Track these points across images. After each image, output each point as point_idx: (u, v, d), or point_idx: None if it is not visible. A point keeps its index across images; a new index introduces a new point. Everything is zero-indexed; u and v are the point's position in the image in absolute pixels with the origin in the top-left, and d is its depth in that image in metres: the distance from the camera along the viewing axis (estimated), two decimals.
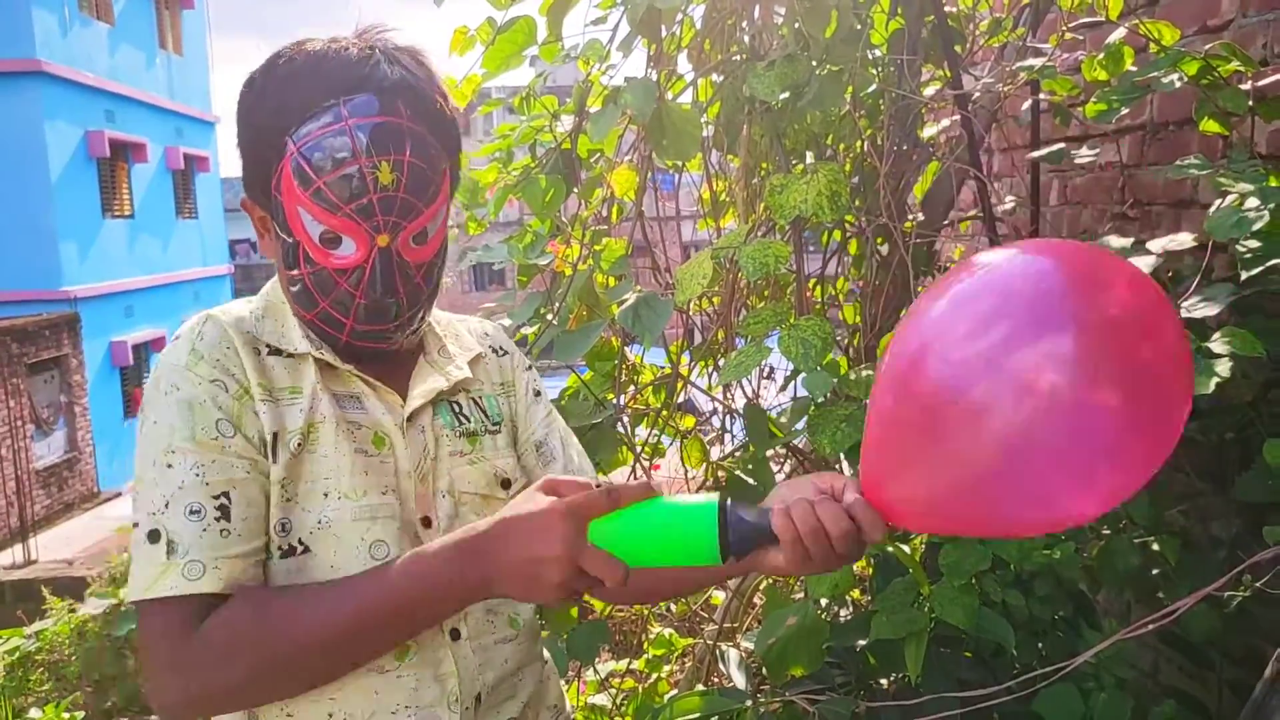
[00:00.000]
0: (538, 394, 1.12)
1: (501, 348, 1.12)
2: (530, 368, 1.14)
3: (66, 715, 2.02)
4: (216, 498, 0.86)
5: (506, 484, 1.03)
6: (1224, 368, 1.12)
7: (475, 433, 1.03)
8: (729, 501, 0.82)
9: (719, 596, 2.40)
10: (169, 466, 0.86)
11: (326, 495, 0.91)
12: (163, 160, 16.04)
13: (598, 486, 0.83)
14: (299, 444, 0.90)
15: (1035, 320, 0.74)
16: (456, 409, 1.03)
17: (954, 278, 0.82)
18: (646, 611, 2.43)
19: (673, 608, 2.50)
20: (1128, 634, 1.20)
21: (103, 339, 13.61)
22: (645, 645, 2.20)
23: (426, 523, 0.96)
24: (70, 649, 2.39)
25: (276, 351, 0.94)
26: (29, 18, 12.16)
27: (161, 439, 0.87)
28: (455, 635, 0.96)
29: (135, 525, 0.87)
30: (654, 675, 2.14)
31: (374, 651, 0.88)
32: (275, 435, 0.90)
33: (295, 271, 0.91)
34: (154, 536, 0.85)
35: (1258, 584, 1.12)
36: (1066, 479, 0.74)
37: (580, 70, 1.59)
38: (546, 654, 1.12)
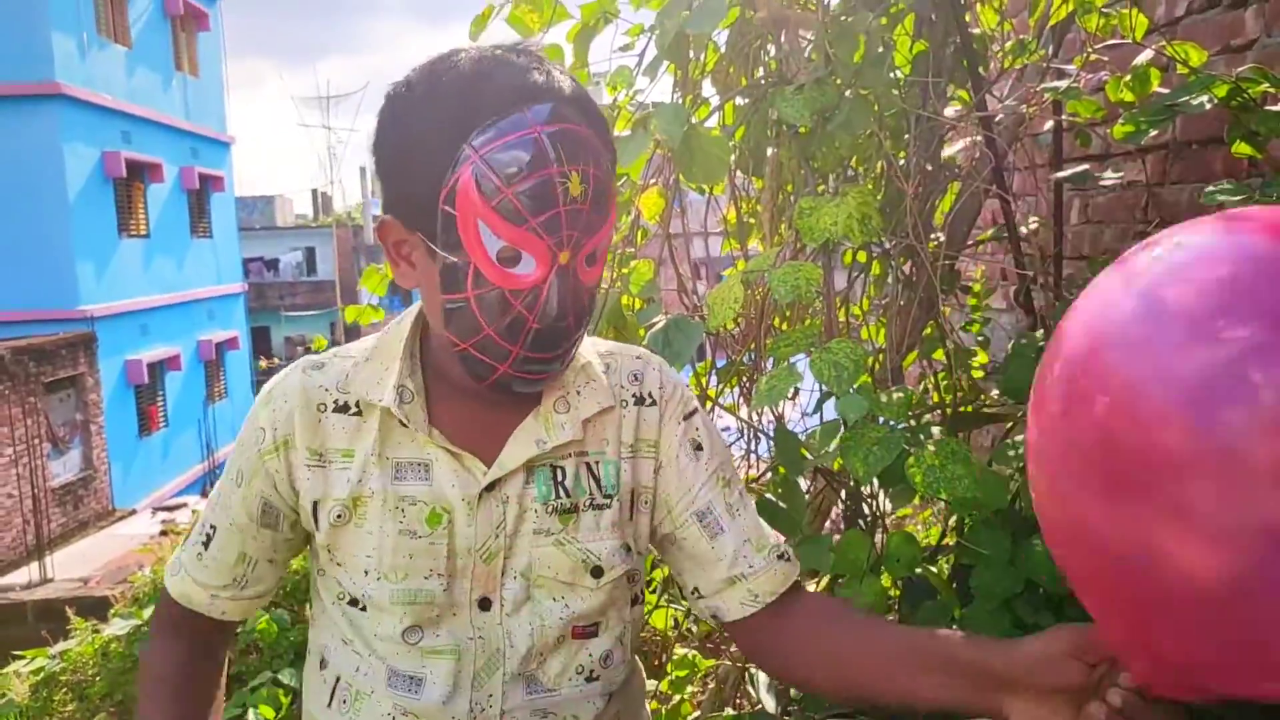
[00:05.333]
0: (698, 448, 0.96)
1: (650, 395, 0.95)
2: (692, 414, 0.97)
3: None
4: (211, 528, 0.95)
5: (598, 572, 0.90)
6: None
7: (574, 509, 0.90)
8: None
9: None
10: (219, 494, 0.97)
11: (367, 573, 0.88)
12: (178, 180, 16.21)
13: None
14: (340, 515, 0.88)
15: None
16: (559, 476, 0.90)
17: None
18: (670, 633, 2.43)
19: (694, 628, 2.49)
20: None
21: (118, 357, 13.71)
22: (668, 667, 2.19)
23: (485, 604, 0.89)
24: (94, 669, 2.40)
25: (343, 409, 0.89)
26: (48, 41, 12.33)
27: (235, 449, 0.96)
28: None
29: None
30: (677, 696, 2.13)
31: None
32: (316, 503, 0.89)
33: (459, 294, 0.82)
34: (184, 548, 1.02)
35: None
36: None
37: (607, 96, 1.61)
38: None
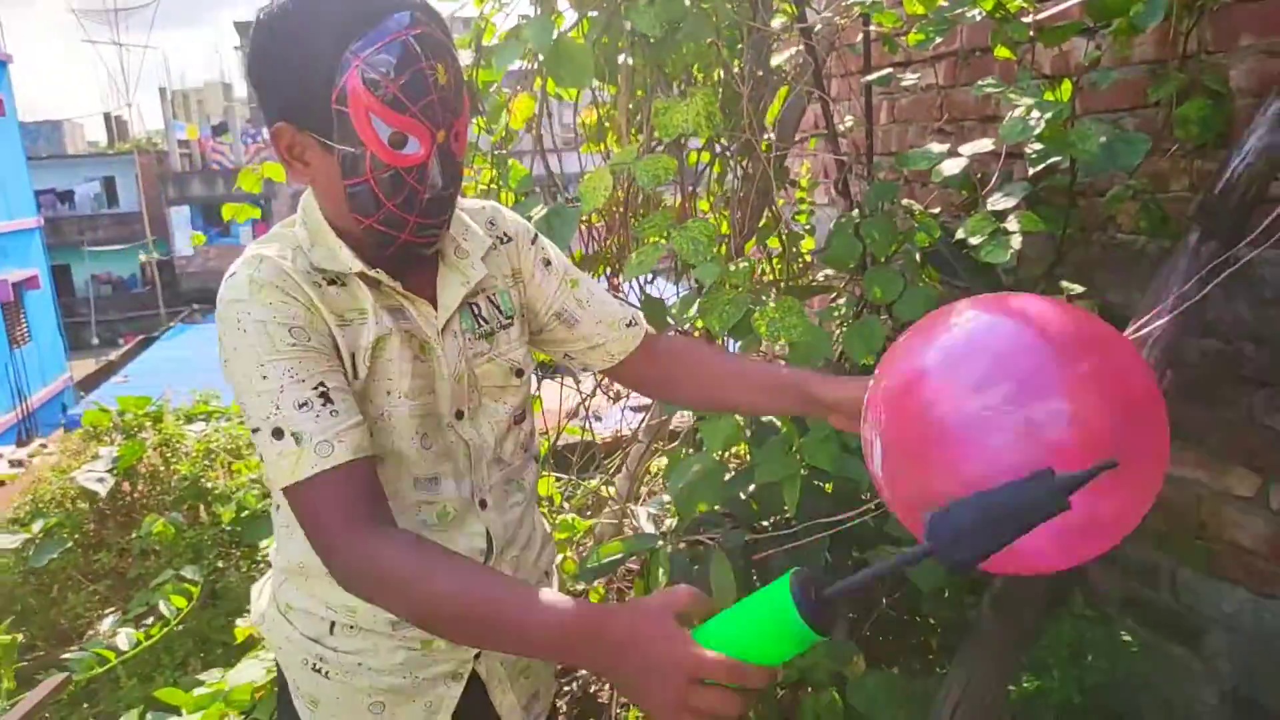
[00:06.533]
0: (548, 263, 1.21)
1: (505, 235, 1.19)
2: (535, 238, 1.22)
3: (6, 638, 2.10)
4: (315, 388, 0.96)
5: (519, 373, 1.18)
6: (1016, 241, 1.45)
7: (491, 332, 1.15)
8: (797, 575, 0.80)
9: (609, 492, 2.68)
10: (264, 378, 0.96)
11: (389, 394, 1.05)
12: None
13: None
14: (371, 356, 1.03)
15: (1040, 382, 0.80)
16: (476, 310, 1.14)
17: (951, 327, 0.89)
18: (544, 509, 2.69)
19: (568, 503, 2.76)
20: None
21: None
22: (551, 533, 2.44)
23: (459, 415, 1.12)
24: None
25: (333, 281, 1.03)
26: None
27: (249, 358, 0.96)
28: (484, 505, 1.15)
29: (255, 431, 0.98)
30: (560, 556, 2.40)
31: (482, 642, 1.04)
32: (354, 355, 1.03)
33: (359, 179, 0.97)
34: (278, 434, 0.95)
35: None
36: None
37: (474, 8, 1.76)
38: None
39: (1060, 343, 0.83)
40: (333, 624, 1.14)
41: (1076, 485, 0.75)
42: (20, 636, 2.15)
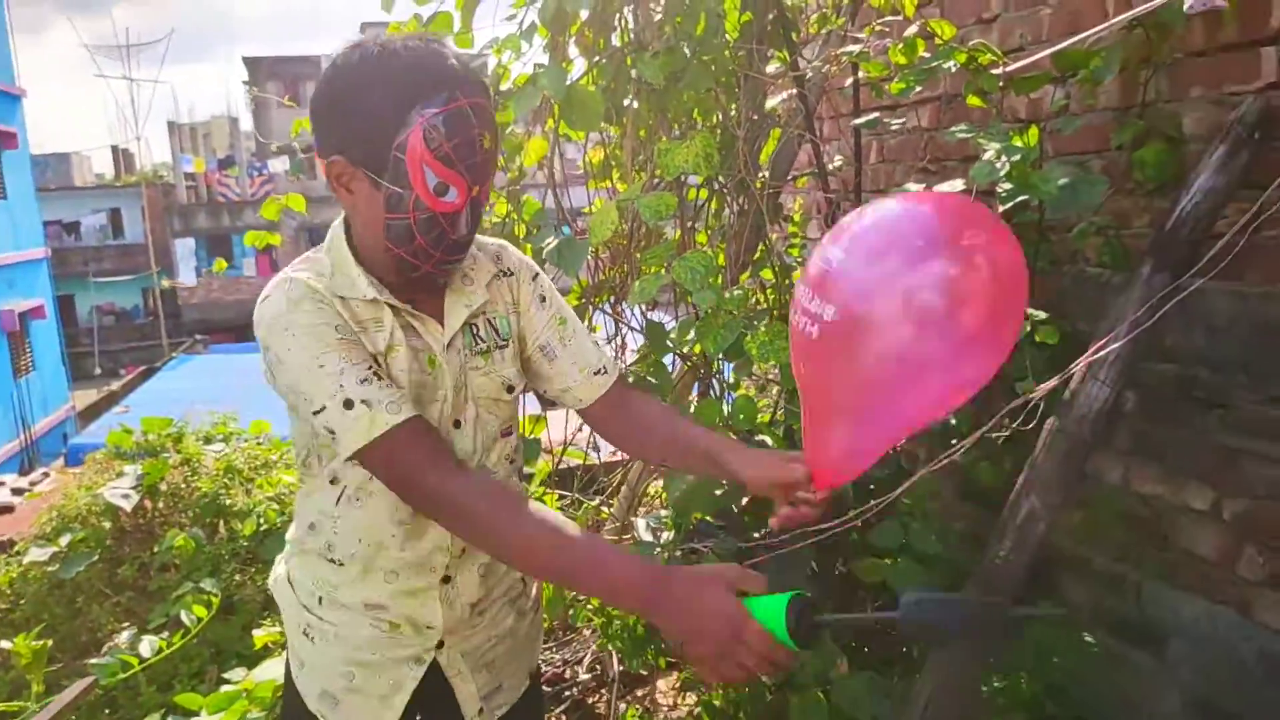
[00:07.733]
0: (543, 299, 1.36)
1: (509, 269, 1.34)
2: (536, 275, 1.37)
3: (37, 644, 2.21)
4: (370, 368, 1.14)
5: (510, 389, 1.31)
6: None
7: (488, 350, 1.29)
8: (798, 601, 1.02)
9: (606, 512, 2.80)
10: (321, 366, 1.12)
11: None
12: None
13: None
14: (384, 361, 1.19)
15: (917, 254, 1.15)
16: (475, 330, 1.28)
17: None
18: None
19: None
20: (924, 472, 1.65)
21: None
22: None
23: (457, 424, 1.25)
24: (13, 595, 2.53)
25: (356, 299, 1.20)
26: None
27: (303, 355, 1.12)
28: (447, 580, 1.28)
29: (320, 410, 1.12)
30: None
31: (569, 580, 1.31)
32: (374, 357, 1.18)
33: (401, 215, 1.13)
34: (348, 404, 1.11)
35: (1015, 425, 1.59)
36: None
37: (493, 59, 1.91)
38: None
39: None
40: (320, 597, 1.29)
41: (1026, 618, 0.92)
42: (49, 643, 2.25)
